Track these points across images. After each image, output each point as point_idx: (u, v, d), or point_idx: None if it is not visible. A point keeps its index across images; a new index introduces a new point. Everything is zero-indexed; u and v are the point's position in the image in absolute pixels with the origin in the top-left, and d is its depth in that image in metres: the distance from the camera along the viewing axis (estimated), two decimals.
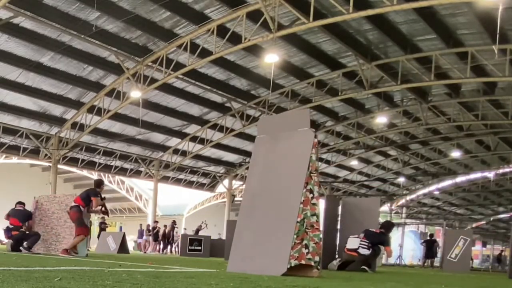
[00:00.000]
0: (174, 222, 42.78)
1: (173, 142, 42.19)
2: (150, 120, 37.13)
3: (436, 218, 77.17)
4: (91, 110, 34.47)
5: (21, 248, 18.62)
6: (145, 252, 39.47)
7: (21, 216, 19.29)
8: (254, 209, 10.87)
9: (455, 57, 29.62)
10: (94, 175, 57.09)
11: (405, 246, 54.14)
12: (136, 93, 31.52)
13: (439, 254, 41.06)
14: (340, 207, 19.64)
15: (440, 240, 47.86)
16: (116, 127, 37.97)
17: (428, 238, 41.28)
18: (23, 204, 19.97)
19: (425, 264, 40.09)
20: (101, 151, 40.81)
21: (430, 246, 39.37)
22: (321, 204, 11.65)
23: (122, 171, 45.11)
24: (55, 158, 38.08)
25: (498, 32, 22.91)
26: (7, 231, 19.48)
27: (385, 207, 66.31)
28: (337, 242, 19.36)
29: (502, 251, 56.03)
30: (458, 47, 28.44)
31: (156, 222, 42.75)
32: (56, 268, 8.35)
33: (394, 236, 46.41)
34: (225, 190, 53.26)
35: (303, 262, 10.25)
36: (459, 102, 37.05)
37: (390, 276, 14.97)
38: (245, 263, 10.36)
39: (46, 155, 38.03)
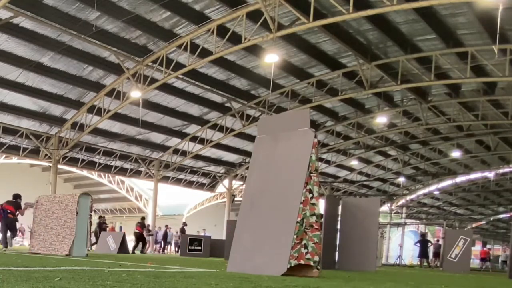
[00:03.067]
0: (185, 224, 42.67)
1: (173, 142, 42.16)
2: (150, 120, 37.12)
3: (436, 218, 77.22)
4: (91, 110, 34.45)
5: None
6: (145, 252, 39.45)
7: (14, 206, 22.61)
8: (254, 209, 10.89)
9: (455, 57, 29.62)
10: (94, 175, 57.24)
11: (405, 246, 54.22)
12: (136, 93, 31.51)
13: (430, 254, 41.34)
14: (340, 207, 19.67)
15: (434, 239, 47.98)
16: (116, 127, 37.95)
17: (421, 238, 41.30)
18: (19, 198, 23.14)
19: (423, 264, 40.14)
20: (101, 151, 40.77)
21: (424, 246, 39.47)
22: (321, 204, 11.65)
23: (122, 171, 45.07)
24: (55, 158, 38.07)
25: (498, 32, 22.92)
26: (3, 212, 22.46)
27: (385, 207, 66.34)
28: (337, 242, 19.40)
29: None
30: (458, 47, 28.43)
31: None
32: (56, 268, 8.36)
33: (394, 236, 46.49)
34: (225, 190, 53.23)
35: (302, 262, 10.27)
36: (459, 102, 37.04)
37: (390, 276, 14.98)
38: (245, 263, 10.38)
39: (46, 155, 38.02)
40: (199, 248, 31.85)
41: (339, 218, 19.54)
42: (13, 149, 37.42)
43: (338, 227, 19.57)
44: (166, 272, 9.01)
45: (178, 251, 39.92)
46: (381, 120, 41.09)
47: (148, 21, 26.06)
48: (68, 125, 35.92)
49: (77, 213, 18.04)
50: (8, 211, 22.40)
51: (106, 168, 44.15)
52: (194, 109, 37.29)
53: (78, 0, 24.01)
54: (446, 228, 48.97)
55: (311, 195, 10.32)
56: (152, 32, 27.42)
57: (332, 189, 58.69)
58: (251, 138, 38.36)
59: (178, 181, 49.04)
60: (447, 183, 66.39)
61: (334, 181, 57.40)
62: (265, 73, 31.99)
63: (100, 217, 39.20)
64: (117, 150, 41.50)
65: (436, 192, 69.13)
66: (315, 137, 10.46)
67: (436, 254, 42.08)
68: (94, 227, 34.50)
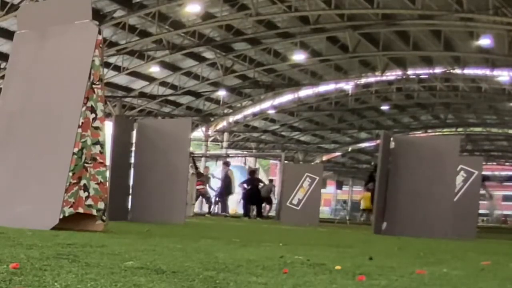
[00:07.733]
0: None
1: None
2: None
3: (272, 148, 78.92)
4: None
5: None
6: None
7: None
8: (13, 136, 10.95)
9: None
10: None
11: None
12: None
13: (275, 200, 41.67)
14: (134, 132, 19.94)
15: (276, 178, 48.95)
16: None
17: (249, 176, 40.80)
18: None
19: (251, 213, 39.10)
20: None
21: (254, 188, 38.69)
22: (108, 128, 11.90)
23: None
24: None
25: None
26: None
27: (199, 132, 67.16)
28: (131, 183, 19.66)
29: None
30: None
31: None
32: None
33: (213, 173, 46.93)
34: None
35: (80, 210, 10.42)
36: None
37: (205, 230, 15.44)
38: (0, 212, 10.46)
39: None
40: None
41: (133, 148, 19.83)
42: None
43: (132, 160, 19.87)
44: None
45: None
46: (193, 8, 41.32)
47: None
48: None
49: None
50: None
51: None
52: None
53: None
54: (286, 162, 50.14)
55: (93, 115, 10.38)
56: None
57: (123, 107, 58.81)
58: (8, 35, 37.90)
59: None
60: (286, 98, 67.51)
61: (127, 96, 57.53)
62: None
63: None
64: None
65: (271, 112, 70.05)
66: (100, 33, 10.63)
67: (270, 200, 41.93)
68: None
